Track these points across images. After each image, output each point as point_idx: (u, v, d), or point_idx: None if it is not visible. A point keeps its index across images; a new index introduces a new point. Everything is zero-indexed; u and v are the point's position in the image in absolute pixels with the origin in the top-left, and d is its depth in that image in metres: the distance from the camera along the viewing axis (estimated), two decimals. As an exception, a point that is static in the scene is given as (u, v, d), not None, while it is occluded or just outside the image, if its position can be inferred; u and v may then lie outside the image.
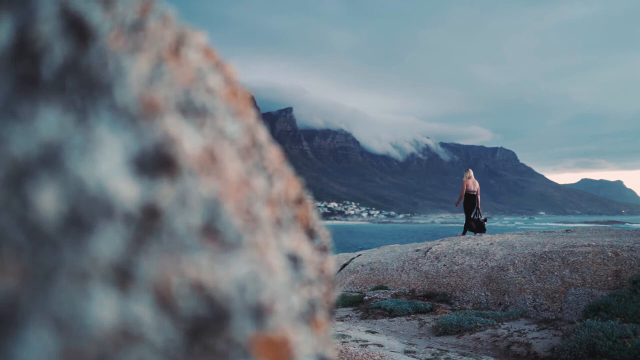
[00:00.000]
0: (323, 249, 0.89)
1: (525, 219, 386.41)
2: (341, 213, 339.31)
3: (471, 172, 10.94)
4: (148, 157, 0.31)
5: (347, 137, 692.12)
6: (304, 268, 0.65)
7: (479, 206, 10.79)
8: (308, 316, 0.65)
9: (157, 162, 0.32)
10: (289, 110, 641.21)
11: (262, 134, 0.73)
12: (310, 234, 0.84)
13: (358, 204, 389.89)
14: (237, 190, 0.47)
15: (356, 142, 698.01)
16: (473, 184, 10.89)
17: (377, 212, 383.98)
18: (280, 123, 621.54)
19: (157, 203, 0.30)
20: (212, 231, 0.35)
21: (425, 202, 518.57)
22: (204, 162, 0.43)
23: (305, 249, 0.70)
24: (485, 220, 10.81)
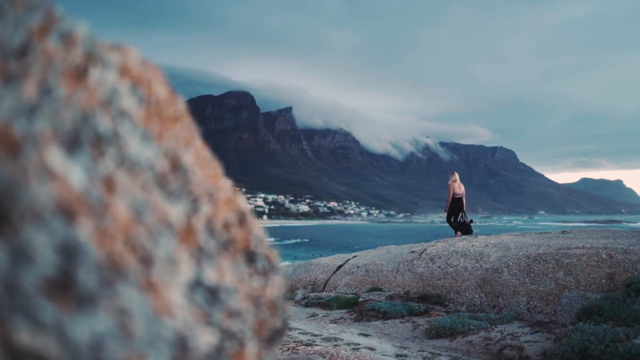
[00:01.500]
0: (267, 271, 0.84)
1: (525, 218, 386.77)
2: (341, 212, 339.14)
3: (457, 176, 11.03)
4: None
5: (347, 136, 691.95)
6: (227, 300, 0.62)
7: (464, 209, 10.93)
8: (230, 350, 0.61)
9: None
10: (288, 109, 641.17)
11: (191, 154, 0.69)
12: (251, 257, 0.80)
13: (358, 203, 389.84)
14: (129, 226, 0.43)
15: (356, 142, 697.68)
16: (459, 187, 10.99)
17: (377, 211, 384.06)
18: (280, 123, 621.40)
19: (-19, 261, 0.27)
20: (64, 285, 0.31)
21: (425, 202, 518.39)
22: (84, 199, 0.40)
23: (232, 277, 0.66)
24: (471, 221, 10.98)
